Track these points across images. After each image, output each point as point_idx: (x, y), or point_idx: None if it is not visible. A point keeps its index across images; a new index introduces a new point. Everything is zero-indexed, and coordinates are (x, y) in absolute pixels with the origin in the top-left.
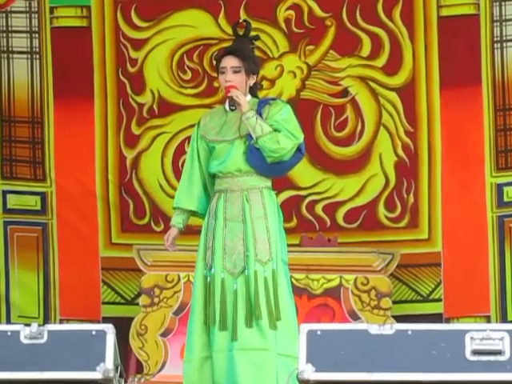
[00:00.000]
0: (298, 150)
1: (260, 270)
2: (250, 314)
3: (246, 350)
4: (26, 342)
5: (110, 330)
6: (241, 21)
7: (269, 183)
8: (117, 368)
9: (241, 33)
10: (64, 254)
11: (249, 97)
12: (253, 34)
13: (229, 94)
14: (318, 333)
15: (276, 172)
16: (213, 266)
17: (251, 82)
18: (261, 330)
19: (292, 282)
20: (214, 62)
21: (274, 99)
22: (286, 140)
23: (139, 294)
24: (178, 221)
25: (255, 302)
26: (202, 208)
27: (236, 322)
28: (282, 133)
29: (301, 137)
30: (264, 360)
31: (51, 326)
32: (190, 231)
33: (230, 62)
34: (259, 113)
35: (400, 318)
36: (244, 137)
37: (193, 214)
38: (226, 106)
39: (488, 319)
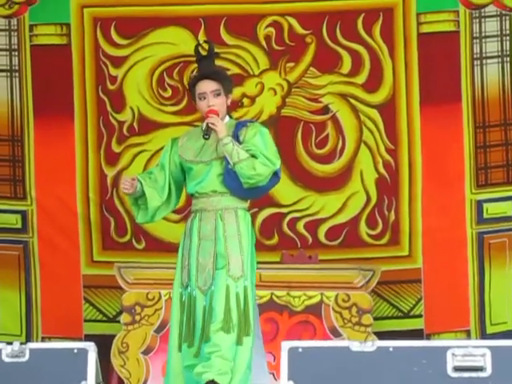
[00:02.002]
0: (275, 174)
1: (232, 285)
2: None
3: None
4: (7, 360)
5: (91, 348)
6: (201, 42)
7: (244, 204)
8: None
9: (204, 53)
10: (45, 271)
11: (227, 118)
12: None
13: (207, 121)
14: (300, 350)
15: (251, 195)
16: (189, 285)
17: (229, 101)
18: (223, 341)
19: (273, 299)
20: (188, 87)
21: (251, 121)
22: (263, 167)
23: (121, 312)
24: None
25: (226, 316)
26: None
27: (202, 338)
28: (258, 159)
29: (278, 162)
30: (227, 372)
31: (33, 345)
32: (171, 249)
33: (208, 86)
34: (236, 135)
35: (381, 335)
36: (221, 158)
37: (139, 195)
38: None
39: (468, 333)
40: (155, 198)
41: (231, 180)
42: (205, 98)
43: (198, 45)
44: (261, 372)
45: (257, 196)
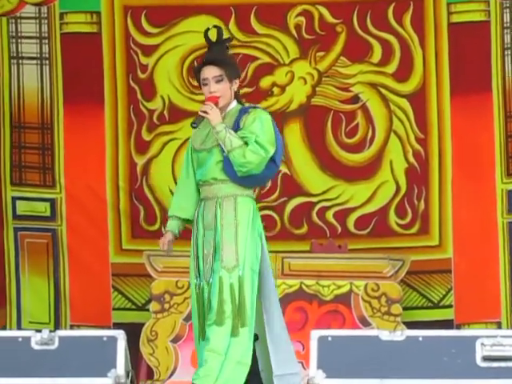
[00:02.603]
0: (273, 161)
1: (225, 276)
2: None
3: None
4: (36, 347)
5: (121, 335)
6: (211, 27)
7: (246, 191)
8: (128, 374)
9: (213, 39)
10: (74, 259)
11: (234, 104)
12: (225, 37)
13: (200, 109)
14: (329, 339)
15: (249, 183)
16: (198, 276)
17: (235, 87)
18: (212, 332)
19: (302, 288)
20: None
21: (254, 107)
22: (253, 155)
23: (149, 300)
24: (173, 227)
25: (218, 308)
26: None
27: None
28: (249, 147)
29: (271, 150)
30: (207, 360)
31: (62, 332)
32: None
33: (211, 72)
34: (237, 121)
35: (410, 325)
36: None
37: (187, 221)
38: None
39: (499, 325)
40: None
41: (229, 167)
42: (207, 85)
43: (208, 30)
44: (290, 361)
45: (256, 184)
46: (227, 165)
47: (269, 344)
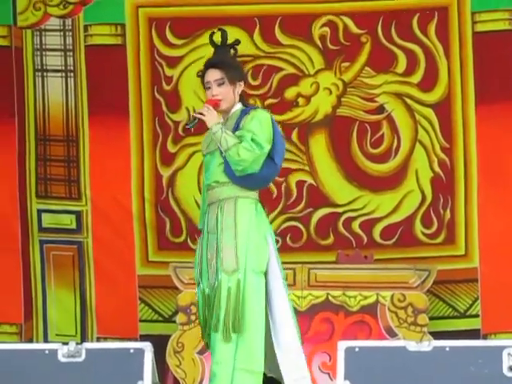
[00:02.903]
0: (272, 160)
1: (224, 279)
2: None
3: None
4: (63, 360)
5: (148, 347)
6: (216, 31)
7: (247, 193)
8: None
9: (218, 43)
10: (100, 272)
11: (239, 105)
12: (232, 40)
13: (198, 112)
14: (356, 350)
15: (250, 184)
16: (201, 282)
17: (239, 89)
18: (214, 342)
19: (329, 299)
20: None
21: (255, 108)
22: (247, 152)
23: (176, 312)
24: None
25: (216, 313)
26: None
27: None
28: (242, 144)
29: (266, 147)
30: (216, 373)
31: (89, 345)
32: None
33: (212, 75)
34: (238, 123)
35: (436, 334)
36: None
37: None
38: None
39: None
40: None
41: (230, 168)
42: (210, 88)
43: (213, 34)
44: (299, 365)
45: (256, 185)
46: (228, 166)
47: (276, 349)
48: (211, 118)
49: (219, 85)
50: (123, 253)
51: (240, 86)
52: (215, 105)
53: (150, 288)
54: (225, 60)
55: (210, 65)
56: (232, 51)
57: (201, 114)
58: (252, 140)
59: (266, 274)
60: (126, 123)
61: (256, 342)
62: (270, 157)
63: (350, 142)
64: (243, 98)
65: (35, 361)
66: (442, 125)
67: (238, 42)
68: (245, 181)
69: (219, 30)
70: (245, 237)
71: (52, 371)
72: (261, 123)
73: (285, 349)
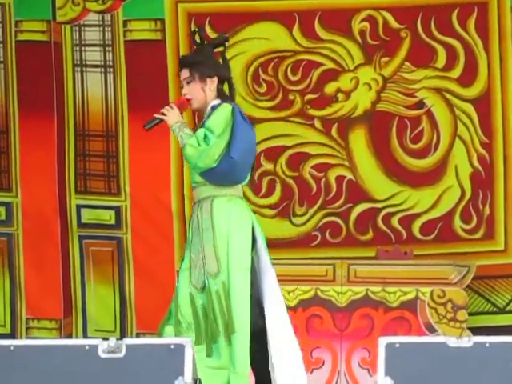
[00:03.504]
0: (229, 153)
1: (212, 283)
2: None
3: (209, 368)
4: (103, 356)
5: (188, 343)
6: (193, 30)
7: (223, 191)
8: (195, 382)
9: (199, 41)
10: (139, 268)
11: (216, 101)
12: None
13: (160, 112)
14: (397, 345)
15: (212, 180)
16: (191, 283)
17: (211, 85)
18: (218, 347)
19: (368, 295)
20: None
21: (222, 103)
22: (190, 149)
23: None
24: None
25: (214, 317)
26: None
27: (209, 337)
28: (188, 141)
29: (215, 142)
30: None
31: (129, 340)
32: (268, 244)
33: (182, 74)
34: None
35: (475, 330)
36: None
37: None
38: None
39: None
40: None
41: None
42: (182, 87)
43: (193, 33)
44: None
45: (218, 181)
46: None
47: (273, 354)
48: (171, 117)
49: (188, 83)
50: (162, 249)
51: (212, 83)
52: (183, 103)
53: None
54: (191, 59)
55: (180, 65)
56: (222, 48)
57: (162, 114)
58: (205, 136)
59: (256, 269)
60: None
61: (241, 344)
62: (229, 151)
63: (390, 138)
64: (222, 93)
65: (75, 356)
66: (482, 120)
67: (223, 38)
68: (207, 177)
69: (195, 30)
70: (224, 237)
71: (92, 367)
72: (217, 118)
73: (279, 342)
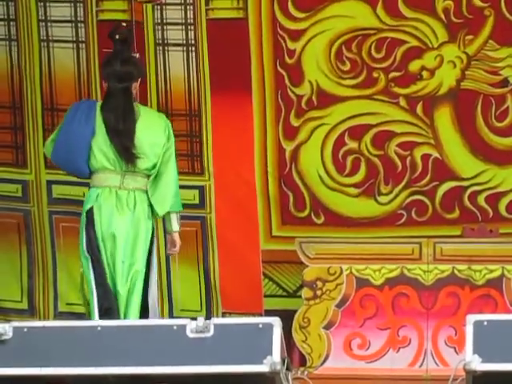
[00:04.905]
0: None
1: None
2: None
3: None
4: (192, 335)
5: (276, 322)
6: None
7: (91, 181)
8: (284, 361)
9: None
10: (223, 247)
11: None
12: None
13: None
14: (485, 323)
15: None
16: None
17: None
18: None
19: (454, 273)
20: None
21: None
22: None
23: (301, 287)
24: None
25: None
26: None
27: None
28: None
29: (52, 134)
30: None
31: (217, 320)
32: (350, 223)
33: None
34: None
35: None
36: None
37: None
38: None
39: None
40: None
41: None
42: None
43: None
44: None
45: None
46: None
47: None
48: None
49: None
50: (246, 228)
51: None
52: None
53: (273, 263)
54: None
55: None
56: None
57: None
58: None
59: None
60: (249, 97)
61: None
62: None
63: (475, 116)
64: None
65: (164, 336)
66: None
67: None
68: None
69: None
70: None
71: (180, 346)
72: None
73: None
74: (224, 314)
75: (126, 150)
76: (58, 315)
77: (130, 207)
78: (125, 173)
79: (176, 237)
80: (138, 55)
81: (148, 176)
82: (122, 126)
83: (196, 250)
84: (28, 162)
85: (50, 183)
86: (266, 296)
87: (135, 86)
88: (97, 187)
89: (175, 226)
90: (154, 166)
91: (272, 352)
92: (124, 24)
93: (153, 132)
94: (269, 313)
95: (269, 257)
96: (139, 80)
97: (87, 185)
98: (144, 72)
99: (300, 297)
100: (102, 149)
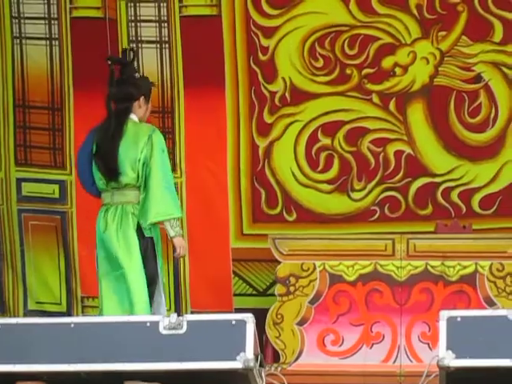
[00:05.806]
0: None
1: None
2: None
3: None
4: (165, 332)
5: (249, 319)
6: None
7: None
8: (257, 357)
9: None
10: (193, 245)
11: None
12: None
13: None
14: (458, 319)
15: None
16: None
17: None
18: None
19: (428, 269)
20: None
21: None
22: None
23: (271, 285)
24: None
25: None
26: None
27: None
28: None
29: None
30: None
31: (190, 317)
32: (322, 219)
33: None
34: None
35: None
36: None
37: None
38: None
39: None
40: None
41: None
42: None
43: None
44: None
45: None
46: None
47: None
48: None
49: None
50: (217, 226)
51: None
52: None
53: (244, 261)
54: None
55: None
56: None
57: None
58: None
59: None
60: (222, 94)
61: None
62: None
63: (448, 112)
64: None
65: (137, 333)
66: None
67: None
68: None
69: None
70: None
71: (153, 343)
72: None
73: None
74: (193, 313)
75: (107, 170)
76: (28, 313)
77: (116, 221)
78: (113, 190)
79: (175, 242)
80: (138, 75)
81: (138, 188)
82: (106, 147)
83: (167, 248)
84: None
85: (19, 181)
86: (235, 295)
87: (139, 105)
88: (101, 207)
89: (171, 232)
90: (136, 179)
91: (245, 348)
92: (128, 48)
93: (131, 147)
94: (239, 311)
95: (239, 255)
96: (143, 98)
97: (57, 182)
98: (148, 90)
99: (270, 295)
100: (96, 172)
